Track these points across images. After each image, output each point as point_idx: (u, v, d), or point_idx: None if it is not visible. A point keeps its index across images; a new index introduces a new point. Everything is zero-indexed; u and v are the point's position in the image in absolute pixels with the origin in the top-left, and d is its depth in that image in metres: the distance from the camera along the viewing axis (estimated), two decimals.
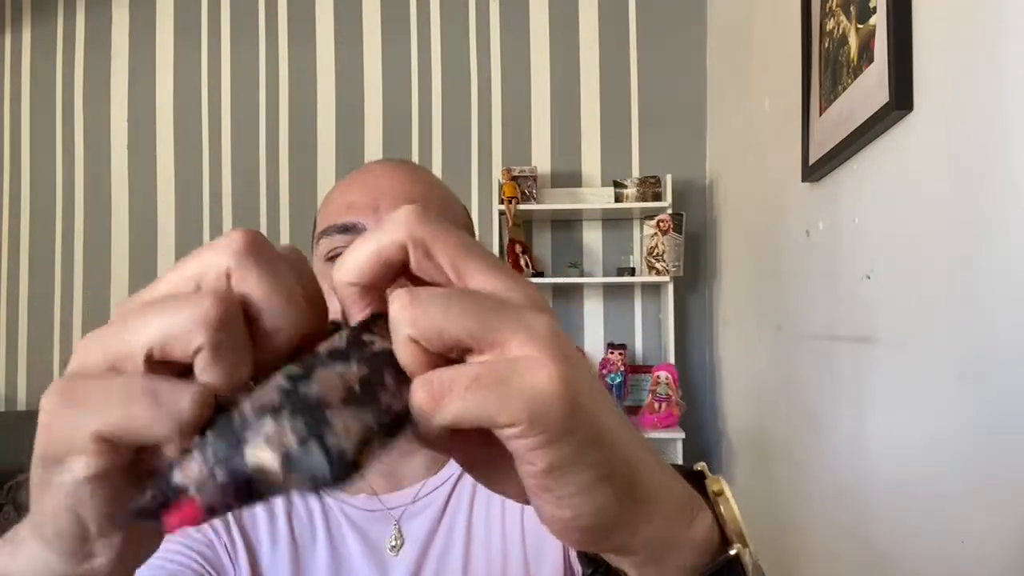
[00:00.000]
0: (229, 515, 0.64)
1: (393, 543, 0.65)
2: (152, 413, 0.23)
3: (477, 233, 0.78)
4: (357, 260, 0.26)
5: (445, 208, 0.66)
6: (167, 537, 0.62)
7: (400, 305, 0.25)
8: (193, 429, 0.23)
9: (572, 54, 2.81)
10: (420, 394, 0.24)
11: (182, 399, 0.23)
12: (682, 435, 2.42)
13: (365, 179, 0.65)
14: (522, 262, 2.58)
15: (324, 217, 0.65)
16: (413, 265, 0.26)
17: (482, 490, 0.67)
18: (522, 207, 2.59)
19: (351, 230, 0.61)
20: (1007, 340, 0.82)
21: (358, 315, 0.27)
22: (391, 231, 0.26)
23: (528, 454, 0.24)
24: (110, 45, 3.01)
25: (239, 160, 2.93)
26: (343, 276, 0.27)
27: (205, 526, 0.63)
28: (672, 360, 2.53)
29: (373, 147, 2.88)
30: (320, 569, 0.64)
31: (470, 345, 0.24)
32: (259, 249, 0.25)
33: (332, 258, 0.61)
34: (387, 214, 0.65)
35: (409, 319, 0.24)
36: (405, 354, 0.25)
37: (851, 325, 1.31)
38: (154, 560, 0.59)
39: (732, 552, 0.31)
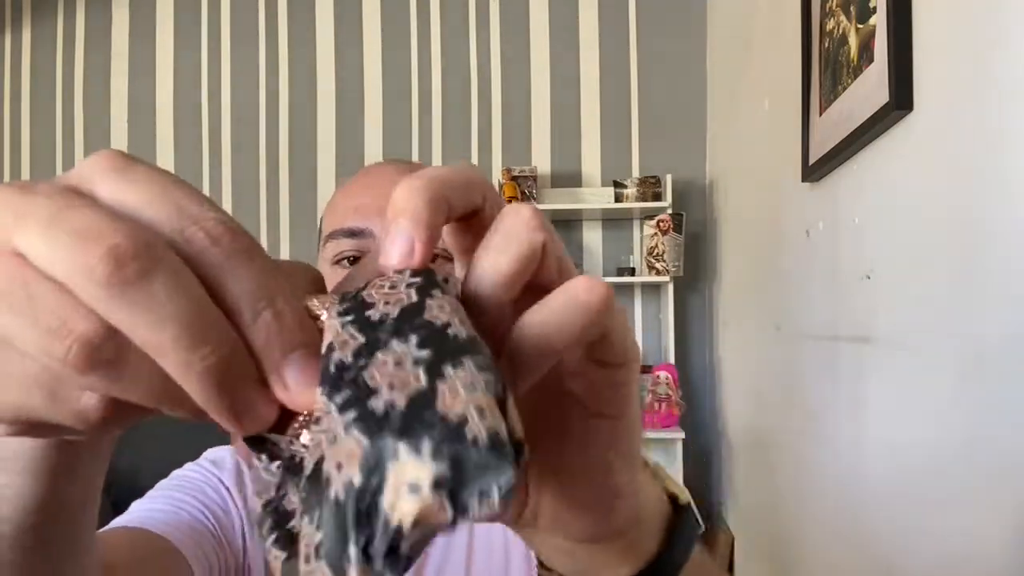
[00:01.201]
0: (249, 495, 0.64)
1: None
2: (48, 407, 0.19)
3: None
4: (437, 175, 0.24)
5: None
6: (178, 486, 0.63)
7: (533, 214, 0.23)
8: (102, 425, 0.19)
9: (572, 54, 2.81)
10: (592, 294, 0.22)
11: (83, 396, 0.19)
12: (682, 435, 2.43)
13: (373, 181, 0.65)
14: None
15: (331, 220, 0.65)
16: (488, 205, 0.25)
17: None
18: None
19: (359, 235, 0.61)
20: (1007, 340, 0.82)
21: (407, 224, 0.22)
22: (464, 168, 0.25)
23: (620, 370, 0.25)
24: (110, 45, 3.01)
25: (239, 160, 2.93)
26: (424, 184, 0.23)
27: (223, 492, 0.63)
28: (672, 360, 2.53)
29: (373, 147, 2.88)
30: None
31: (555, 281, 0.24)
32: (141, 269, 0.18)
33: (339, 262, 0.61)
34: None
35: (543, 231, 0.23)
36: (522, 269, 0.22)
37: (851, 325, 1.31)
38: (168, 504, 0.59)
39: (684, 501, 0.33)
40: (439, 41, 2.87)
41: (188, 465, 0.66)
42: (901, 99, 1.05)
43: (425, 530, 0.17)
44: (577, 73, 2.81)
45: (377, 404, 0.18)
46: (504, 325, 0.22)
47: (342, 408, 0.18)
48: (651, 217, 2.54)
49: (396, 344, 0.19)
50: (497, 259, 0.22)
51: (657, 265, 2.50)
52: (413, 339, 0.19)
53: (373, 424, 0.18)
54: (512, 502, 0.17)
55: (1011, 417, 0.81)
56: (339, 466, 0.17)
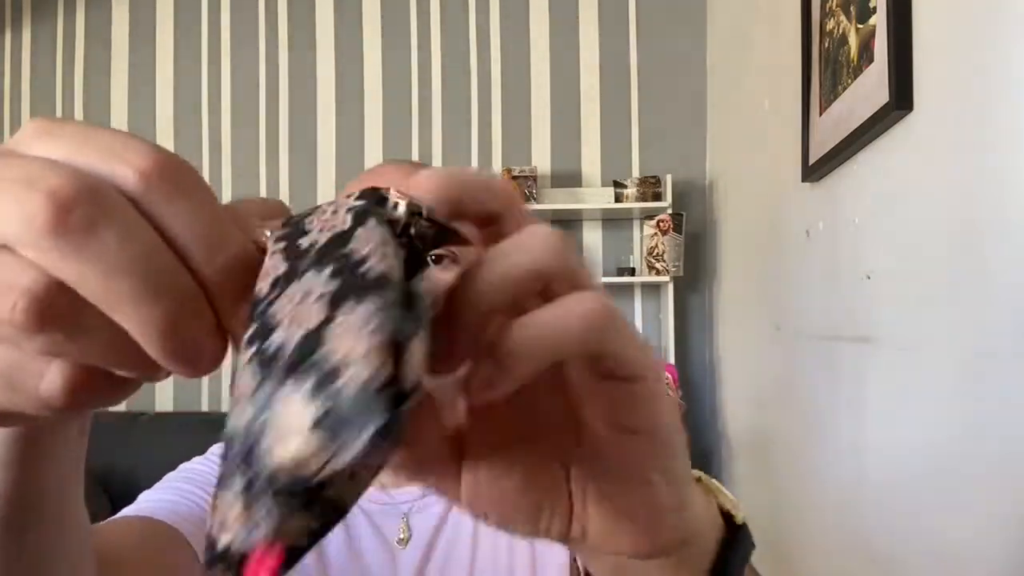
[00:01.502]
0: None
1: (401, 536, 0.66)
2: (8, 397, 0.18)
3: None
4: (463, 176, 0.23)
5: None
6: (186, 478, 0.62)
7: (551, 235, 0.22)
8: (68, 408, 0.18)
9: (572, 54, 2.81)
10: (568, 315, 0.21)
11: (42, 381, 0.18)
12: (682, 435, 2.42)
13: (377, 182, 0.65)
14: None
15: None
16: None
17: None
18: None
19: None
20: (1007, 340, 0.82)
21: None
22: (492, 177, 0.24)
23: (635, 385, 0.24)
24: (110, 44, 3.01)
25: (239, 160, 2.93)
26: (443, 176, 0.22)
27: None
28: (672, 360, 2.53)
29: (373, 147, 2.88)
30: (336, 553, 0.65)
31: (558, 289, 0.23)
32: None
33: None
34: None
35: (555, 256, 0.22)
36: (515, 285, 0.21)
37: (851, 325, 1.31)
38: (176, 495, 0.59)
39: (740, 520, 0.33)
40: (439, 41, 2.87)
41: (195, 459, 0.67)
42: (901, 99, 1.05)
43: (304, 472, 0.16)
44: (577, 73, 2.81)
45: (274, 340, 0.18)
46: (479, 328, 0.21)
47: (248, 343, 0.18)
48: (651, 217, 2.53)
49: (310, 276, 0.18)
50: (493, 267, 0.21)
51: (657, 265, 2.50)
52: (327, 271, 0.18)
53: (266, 361, 0.17)
54: (391, 449, 0.17)
55: (1011, 417, 0.81)
56: (238, 402, 0.17)
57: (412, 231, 0.21)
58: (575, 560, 0.65)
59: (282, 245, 0.20)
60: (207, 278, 0.19)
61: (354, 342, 0.17)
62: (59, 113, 3.01)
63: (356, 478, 0.17)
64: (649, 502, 0.26)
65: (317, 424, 0.16)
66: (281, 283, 0.19)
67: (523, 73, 2.82)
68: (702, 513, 0.31)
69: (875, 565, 1.18)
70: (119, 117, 2.99)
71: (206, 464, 0.65)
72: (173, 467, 0.65)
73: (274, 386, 0.17)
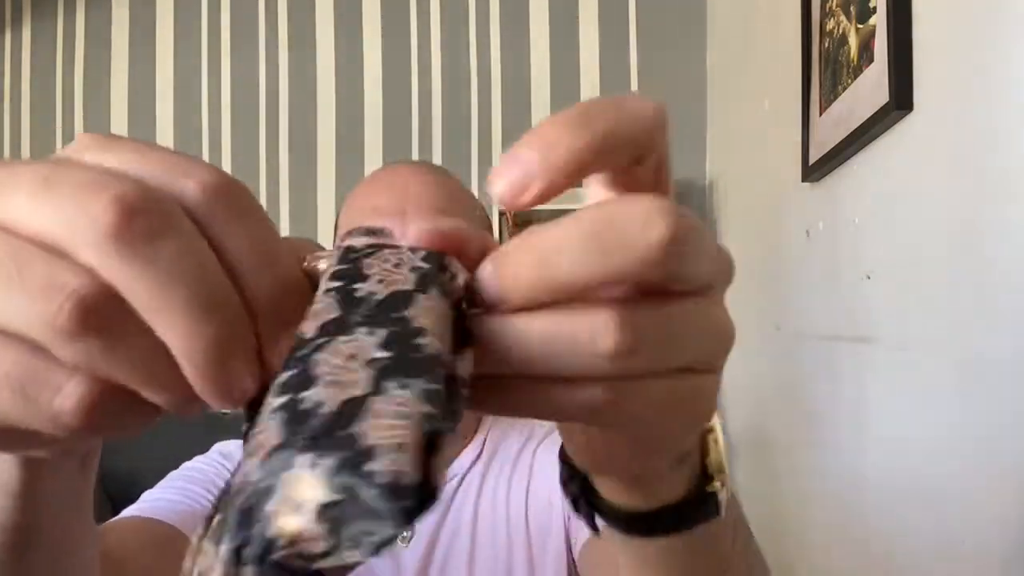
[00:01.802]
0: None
1: (404, 534, 0.66)
2: (19, 409, 0.17)
3: None
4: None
5: (469, 215, 0.67)
6: (188, 477, 0.63)
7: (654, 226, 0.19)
8: (84, 430, 0.17)
9: (572, 54, 2.81)
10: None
11: (58, 395, 0.17)
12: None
13: (393, 181, 0.65)
14: None
15: (348, 219, 0.65)
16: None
17: (488, 486, 0.69)
18: None
19: (376, 234, 0.61)
20: (1008, 340, 0.82)
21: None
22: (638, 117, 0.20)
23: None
24: (110, 44, 3.01)
25: (239, 160, 2.93)
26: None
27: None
28: None
29: (373, 147, 2.88)
30: None
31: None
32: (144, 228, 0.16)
33: None
34: (414, 220, 0.66)
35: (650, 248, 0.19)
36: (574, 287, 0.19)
37: (851, 325, 1.31)
38: (178, 495, 0.59)
39: (711, 488, 0.32)
40: (439, 40, 2.87)
41: (198, 457, 0.67)
42: (901, 99, 1.05)
43: (299, 552, 0.15)
44: (577, 73, 2.81)
45: (309, 396, 0.16)
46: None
47: (281, 387, 0.17)
48: None
49: (363, 334, 0.18)
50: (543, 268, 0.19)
51: None
52: (381, 335, 0.18)
53: (295, 418, 0.16)
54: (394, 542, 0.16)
55: (1011, 417, 0.81)
56: (254, 454, 0.16)
57: (464, 304, 0.20)
58: (571, 555, 0.66)
59: (336, 285, 0.19)
60: (255, 298, 0.18)
61: (390, 430, 0.16)
62: (59, 113, 3.01)
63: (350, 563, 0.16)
64: (621, 451, 0.25)
65: (326, 510, 0.15)
66: (330, 330, 0.18)
67: (523, 73, 2.82)
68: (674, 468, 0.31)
69: (875, 565, 1.19)
70: (119, 117, 2.99)
71: (208, 462, 0.65)
72: (175, 466, 0.65)
73: (295, 451, 0.16)
